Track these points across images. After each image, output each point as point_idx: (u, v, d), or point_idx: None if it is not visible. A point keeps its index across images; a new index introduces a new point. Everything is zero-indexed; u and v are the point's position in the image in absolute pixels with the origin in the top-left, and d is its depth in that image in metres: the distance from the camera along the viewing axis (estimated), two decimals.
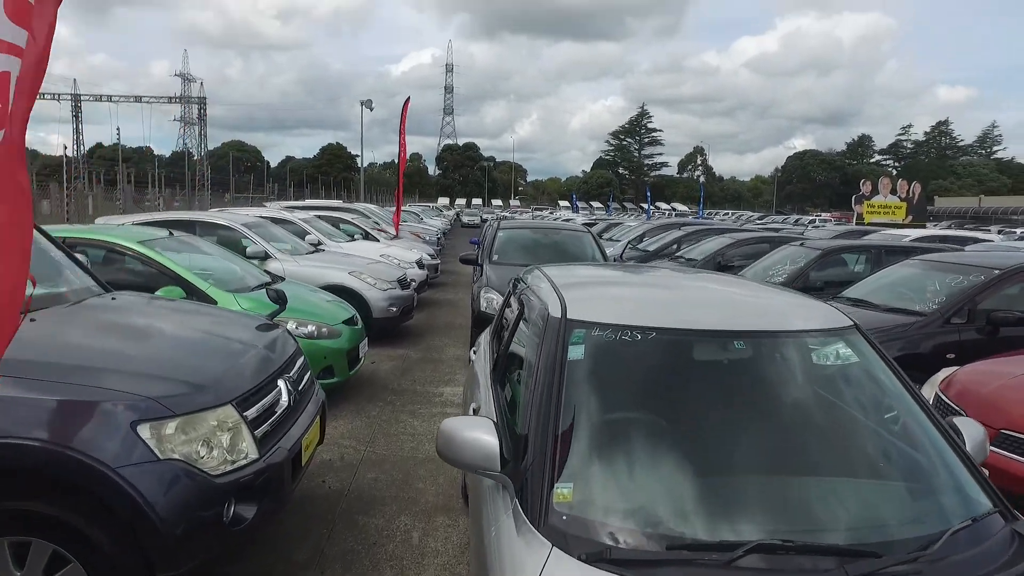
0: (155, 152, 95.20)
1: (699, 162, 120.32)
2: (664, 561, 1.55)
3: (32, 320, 2.41)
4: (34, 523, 2.25)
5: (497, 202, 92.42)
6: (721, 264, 10.60)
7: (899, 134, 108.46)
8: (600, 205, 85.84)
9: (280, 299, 4.12)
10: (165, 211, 16.74)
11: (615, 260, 8.18)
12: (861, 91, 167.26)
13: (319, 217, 13.20)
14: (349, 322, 6.08)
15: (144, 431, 2.27)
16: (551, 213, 53.58)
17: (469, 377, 3.70)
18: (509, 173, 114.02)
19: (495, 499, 1.92)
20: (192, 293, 5.25)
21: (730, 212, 69.63)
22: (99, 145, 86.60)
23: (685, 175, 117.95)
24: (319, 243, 10.34)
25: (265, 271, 6.78)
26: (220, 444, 2.51)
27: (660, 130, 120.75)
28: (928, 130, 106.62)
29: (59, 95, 64.62)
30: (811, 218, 52.48)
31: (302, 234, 10.44)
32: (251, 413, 2.72)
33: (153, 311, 3.55)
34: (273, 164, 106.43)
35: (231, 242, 8.22)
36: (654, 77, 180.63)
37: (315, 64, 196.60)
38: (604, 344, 2.11)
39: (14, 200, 1.72)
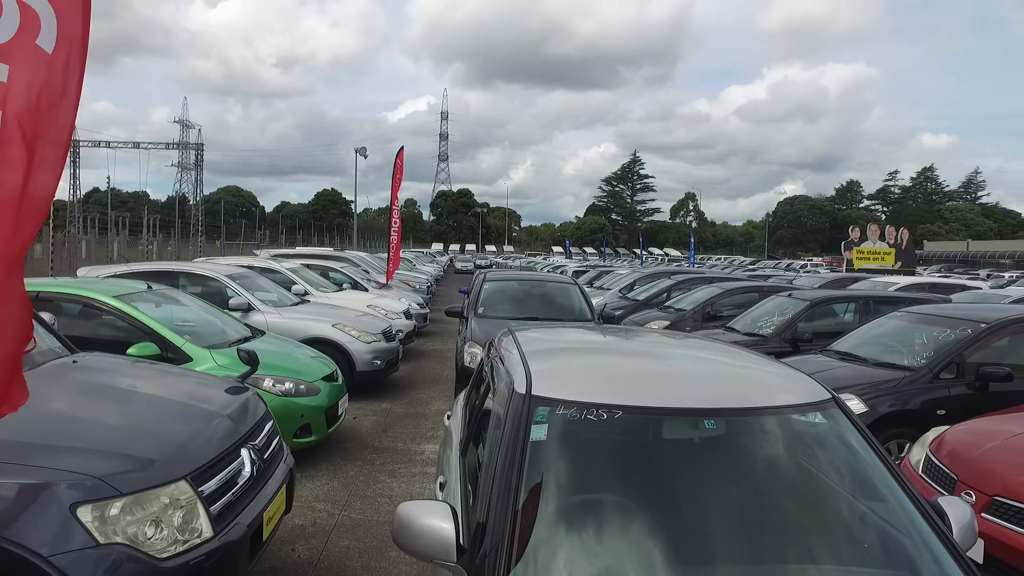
0: (151, 196, 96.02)
1: (691, 207, 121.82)
2: None
3: None
4: None
5: (491, 248, 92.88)
6: (710, 314, 10.56)
7: (886, 180, 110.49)
8: (593, 251, 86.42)
9: (251, 360, 4.01)
10: (149, 261, 16.67)
11: (601, 310, 8.10)
12: (848, 138, 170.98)
13: (308, 266, 13.17)
14: (329, 378, 5.95)
15: (85, 513, 2.13)
16: (544, 259, 53.82)
17: (443, 442, 3.58)
18: (503, 219, 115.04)
19: None
20: (167, 349, 5.13)
21: (722, 257, 70.13)
22: (95, 190, 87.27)
23: (677, 220, 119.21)
24: (305, 293, 10.26)
25: (246, 324, 6.67)
26: (171, 523, 2.38)
27: (652, 176, 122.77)
28: (914, 176, 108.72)
29: None
30: (803, 263, 52.90)
31: (289, 284, 10.38)
32: (208, 487, 2.59)
33: (114, 376, 3.43)
34: (268, 209, 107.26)
35: (215, 293, 8.15)
36: (646, 124, 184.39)
37: (313, 111, 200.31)
38: (569, 424, 2.01)
39: None
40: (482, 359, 3.46)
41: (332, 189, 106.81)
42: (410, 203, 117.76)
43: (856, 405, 5.36)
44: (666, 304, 12.18)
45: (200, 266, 9.13)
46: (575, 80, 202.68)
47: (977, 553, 3.33)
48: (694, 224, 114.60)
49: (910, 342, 6.19)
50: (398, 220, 15.77)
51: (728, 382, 2.40)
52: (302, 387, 5.54)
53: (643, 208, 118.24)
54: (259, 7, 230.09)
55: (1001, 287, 20.53)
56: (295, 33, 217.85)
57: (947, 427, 4.47)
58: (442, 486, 2.64)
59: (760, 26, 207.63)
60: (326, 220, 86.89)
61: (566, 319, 7.44)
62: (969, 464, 3.84)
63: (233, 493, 2.80)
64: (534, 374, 2.21)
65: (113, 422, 2.76)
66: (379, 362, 8.01)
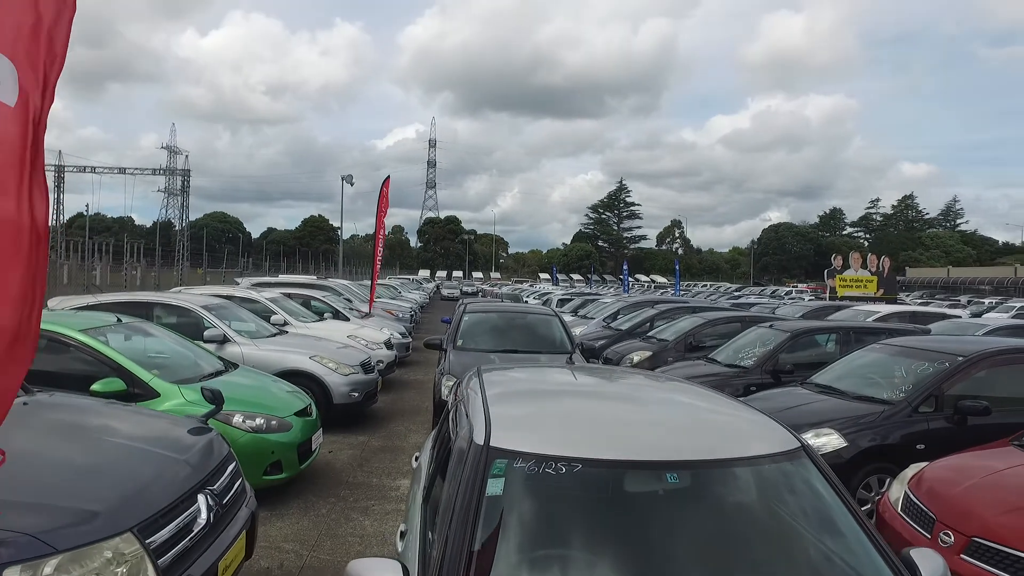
0: (137, 222, 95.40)
1: (677, 234, 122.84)
2: None
3: None
4: None
5: (478, 274, 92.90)
6: (693, 344, 10.53)
7: (868, 207, 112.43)
8: (580, 277, 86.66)
9: (215, 399, 3.89)
10: (123, 292, 16.44)
11: (581, 343, 8.03)
12: (831, 166, 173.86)
13: (289, 295, 13.04)
14: (302, 413, 5.82)
15: (14, 575, 2.01)
16: (531, 285, 53.84)
17: (410, 485, 3.47)
18: (490, 245, 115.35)
19: None
20: (134, 385, 5.00)
21: (708, 284, 70.52)
22: (79, 215, 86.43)
23: (664, 247, 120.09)
24: (285, 324, 10.13)
25: (220, 357, 6.54)
26: None
27: (639, 204, 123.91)
28: (895, 203, 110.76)
29: None
30: (787, 290, 53.29)
31: (268, 314, 10.24)
32: (159, 538, 2.47)
33: (66, 419, 3.29)
34: (255, 235, 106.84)
35: (190, 324, 8.00)
36: (633, 152, 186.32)
37: (302, 138, 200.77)
38: (527, 478, 1.93)
39: None
40: (449, 399, 3.38)
41: (319, 215, 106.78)
42: (397, 229, 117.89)
43: (836, 440, 5.32)
44: (649, 334, 12.14)
45: (175, 297, 8.99)
46: (562, 109, 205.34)
47: None
48: (680, 251, 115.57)
49: (889, 375, 6.18)
50: (382, 250, 15.69)
51: (694, 432, 2.33)
52: (273, 423, 5.40)
53: (630, 235, 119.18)
54: (250, 36, 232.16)
55: (980, 315, 20.75)
56: (285, 61, 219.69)
57: (926, 463, 4.43)
58: (403, 535, 2.54)
59: (743, 58, 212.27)
60: (312, 246, 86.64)
61: (546, 351, 7.37)
62: (948, 503, 3.78)
63: (188, 541, 2.68)
64: (494, 423, 2.14)
65: (56, 471, 2.62)
66: (357, 394, 7.88)
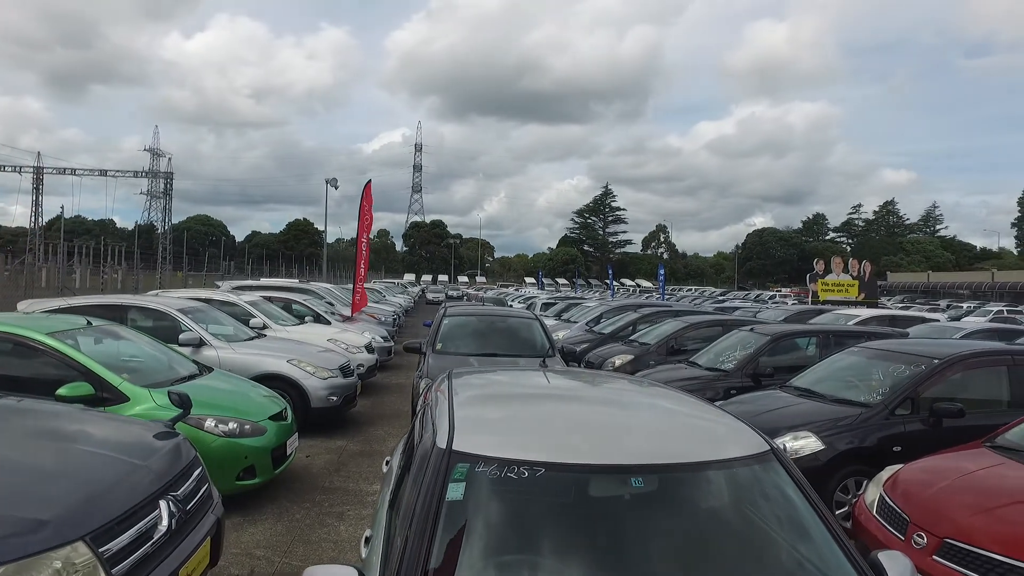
0: (118, 225, 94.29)
1: (663, 239, 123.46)
2: None
3: None
4: None
5: (463, 279, 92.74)
6: (674, 348, 10.55)
7: (850, 213, 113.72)
8: (565, 282, 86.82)
9: (183, 403, 3.81)
10: (97, 294, 16.21)
11: (561, 347, 8.01)
12: (814, 172, 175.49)
13: (269, 298, 12.90)
14: (277, 417, 5.73)
15: None
16: (516, 290, 53.83)
17: (381, 488, 3.41)
18: (476, 250, 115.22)
19: None
20: (102, 389, 4.89)
21: (692, 288, 70.92)
22: (59, 217, 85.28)
23: (649, 252, 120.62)
24: (264, 327, 10.02)
25: (194, 361, 6.43)
26: None
27: (624, 208, 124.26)
28: (877, 209, 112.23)
29: (20, 167, 63.83)
30: (771, 294, 53.73)
31: (248, 317, 10.12)
32: (113, 546, 2.40)
33: (22, 424, 3.19)
34: (239, 238, 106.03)
35: (165, 328, 7.88)
36: (618, 158, 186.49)
37: (287, 141, 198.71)
38: (489, 482, 1.89)
39: None
40: (419, 403, 3.33)
41: (304, 219, 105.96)
42: (383, 233, 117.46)
43: (814, 443, 5.33)
44: (631, 338, 12.15)
45: (150, 300, 8.85)
46: (549, 114, 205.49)
47: None
48: (665, 255, 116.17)
49: (867, 378, 6.21)
50: (366, 253, 15.58)
51: (662, 435, 2.29)
52: (247, 427, 5.31)
53: (615, 240, 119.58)
54: (235, 38, 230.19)
55: (959, 318, 21.02)
56: (271, 64, 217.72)
57: (901, 465, 4.44)
58: (367, 540, 2.48)
59: (728, 65, 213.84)
60: (297, 250, 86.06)
61: (526, 355, 7.34)
62: (921, 504, 3.79)
63: (148, 548, 2.61)
64: (458, 426, 2.09)
65: (6, 478, 2.54)
66: (335, 398, 7.79)
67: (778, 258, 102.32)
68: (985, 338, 11.95)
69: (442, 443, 2.02)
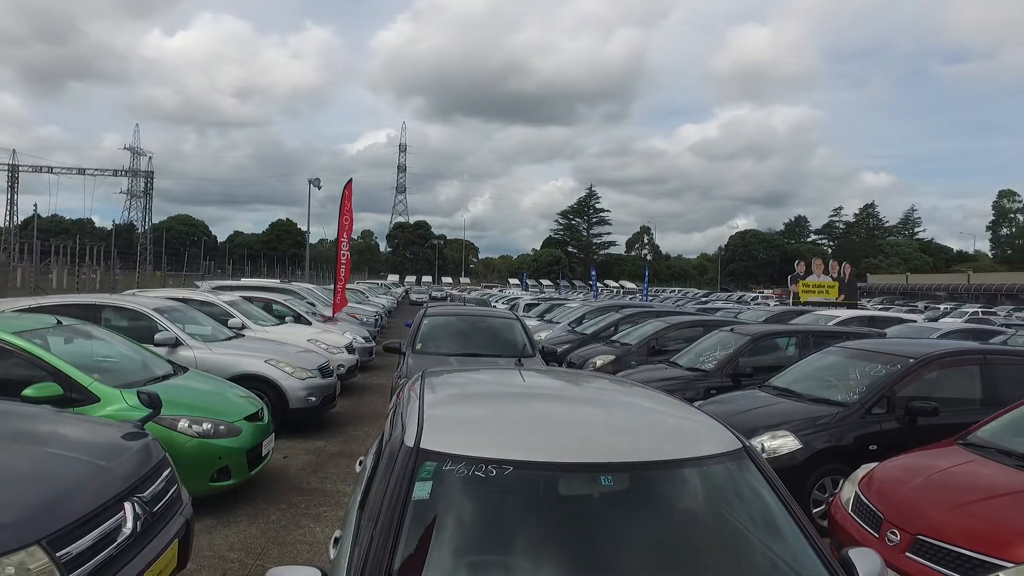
0: (97, 224, 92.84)
1: (646, 241, 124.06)
2: None
3: None
4: None
5: (448, 280, 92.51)
6: (656, 348, 10.58)
7: (831, 215, 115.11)
8: (549, 283, 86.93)
9: (153, 403, 3.74)
10: (71, 293, 15.96)
11: (542, 347, 7.99)
12: (796, 175, 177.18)
13: (250, 298, 12.77)
14: (253, 417, 5.65)
15: None
16: (500, 291, 53.80)
17: (353, 489, 3.37)
18: (460, 251, 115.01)
19: None
20: (72, 389, 4.78)
21: (676, 290, 71.34)
22: (36, 216, 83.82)
23: (633, 253, 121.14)
24: (242, 327, 9.90)
25: (169, 361, 6.33)
26: None
27: (608, 210, 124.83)
28: (857, 212, 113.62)
29: None
30: (753, 295, 54.19)
31: (226, 317, 9.99)
32: (72, 550, 2.33)
33: None
34: (221, 239, 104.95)
35: (140, 328, 7.75)
36: (603, 159, 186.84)
37: (271, 141, 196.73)
38: (457, 481, 1.86)
39: None
40: (391, 402, 3.29)
41: (287, 219, 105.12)
42: (367, 234, 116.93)
43: (792, 442, 5.35)
44: (612, 338, 12.17)
45: (125, 299, 8.70)
46: (534, 116, 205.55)
47: None
48: (649, 257, 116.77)
49: (845, 377, 6.26)
50: (347, 253, 15.46)
51: (633, 433, 2.27)
52: (221, 427, 5.23)
53: (599, 241, 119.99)
54: (218, 37, 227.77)
55: (935, 319, 21.33)
56: (254, 64, 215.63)
57: (876, 464, 4.47)
58: (336, 541, 2.44)
59: (711, 68, 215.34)
60: (280, 250, 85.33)
61: (507, 354, 7.30)
62: (894, 502, 3.82)
63: (111, 551, 2.55)
64: (427, 425, 2.06)
65: None
66: (314, 399, 7.71)
67: (760, 260, 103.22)
68: (960, 338, 12.13)
69: (410, 441, 1.99)
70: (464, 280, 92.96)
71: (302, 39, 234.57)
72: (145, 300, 8.65)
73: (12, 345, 4.79)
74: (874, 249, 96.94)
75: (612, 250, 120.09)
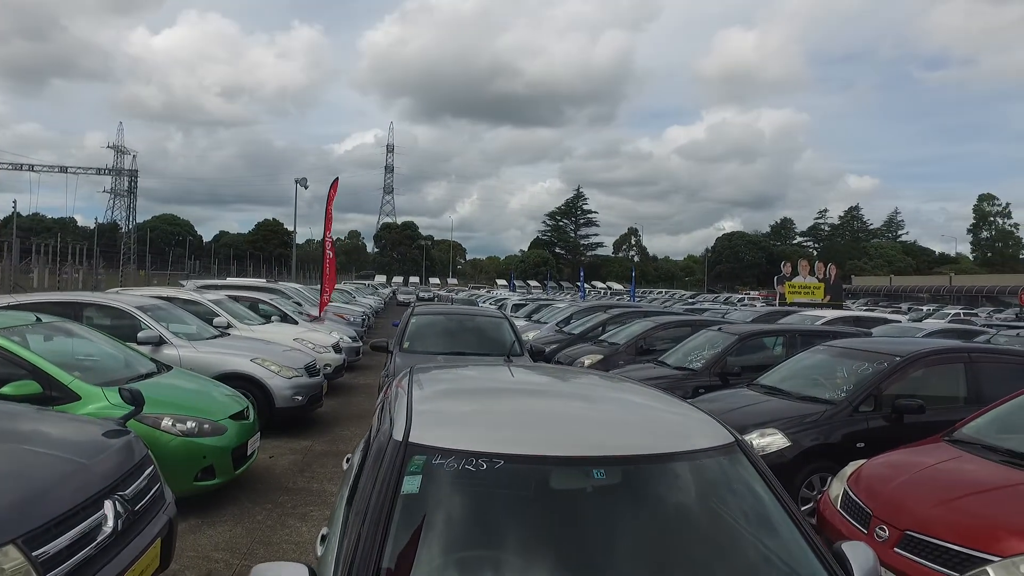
0: (80, 223, 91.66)
1: (633, 242, 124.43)
2: None
3: None
4: None
5: (435, 280, 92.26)
6: (644, 348, 10.58)
7: (816, 218, 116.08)
8: (537, 284, 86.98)
9: (135, 399, 3.67)
10: (51, 292, 15.72)
11: (530, 346, 7.96)
12: (782, 177, 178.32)
13: (236, 297, 12.64)
14: (238, 416, 5.58)
15: None
16: (488, 291, 53.75)
17: (340, 486, 3.32)
18: (448, 251, 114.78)
19: None
20: (51, 388, 4.69)
21: (663, 291, 71.62)
22: (16, 215, 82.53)
23: (620, 255, 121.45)
24: (228, 326, 9.79)
25: (152, 359, 6.23)
26: None
27: (596, 211, 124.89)
28: (842, 214, 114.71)
29: None
30: (740, 296, 54.54)
31: (212, 316, 9.88)
32: (49, 549, 2.27)
33: None
34: (207, 239, 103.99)
35: (123, 326, 7.64)
36: (590, 161, 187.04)
37: (257, 140, 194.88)
38: (447, 475, 1.82)
39: None
40: (379, 398, 3.25)
41: (273, 219, 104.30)
42: (354, 235, 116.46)
43: (780, 440, 5.36)
44: (600, 338, 12.16)
45: (107, 297, 8.57)
46: (521, 117, 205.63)
47: None
48: (636, 258, 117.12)
49: (832, 376, 6.28)
50: (332, 252, 15.35)
51: (625, 427, 2.25)
52: (206, 426, 5.16)
53: (586, 242, 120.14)
54: (205, 35, 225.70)
55: (919, 320, 21.55)
56: (241, 63, 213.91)
57: (864, 461, 4.49)
58: (323, 539, 2.39)
59: (698, 71, 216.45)
60: (266, 251, 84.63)
61: (495, 353, 7.27)
62: (883, 498, 3.83)
63: (91, 550, 2.49)
64: (415, 419, 2.02)
65: None
66: (300, 398, 7.64)
67: (747, 261, 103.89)
68: (945, 338, 12.24)
69: (398, 436, 1.95)
70: (452, 281, 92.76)
71: (289, 38, 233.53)
72: (128, 298, 8.52)
73: None
74: (858, 251, 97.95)
75: (599, 251, 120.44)
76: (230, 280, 24.17)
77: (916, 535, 3.40)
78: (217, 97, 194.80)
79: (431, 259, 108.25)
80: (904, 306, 46.76)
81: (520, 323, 15.79)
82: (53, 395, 4.64)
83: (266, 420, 6.96)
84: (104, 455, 2.93)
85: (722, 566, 1.89)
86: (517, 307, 22.10)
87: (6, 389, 4.21)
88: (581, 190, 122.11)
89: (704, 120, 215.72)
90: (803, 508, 5.22)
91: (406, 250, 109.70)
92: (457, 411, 2.38)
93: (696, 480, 2.06)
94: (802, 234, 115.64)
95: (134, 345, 6.69)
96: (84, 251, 40.20)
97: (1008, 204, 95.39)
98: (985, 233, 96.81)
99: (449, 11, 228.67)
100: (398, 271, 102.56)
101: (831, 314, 16.67)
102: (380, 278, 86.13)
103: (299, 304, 15.70)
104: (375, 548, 1.62)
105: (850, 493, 4.11)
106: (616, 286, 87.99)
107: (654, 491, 1.97)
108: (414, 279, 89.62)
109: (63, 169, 61.56)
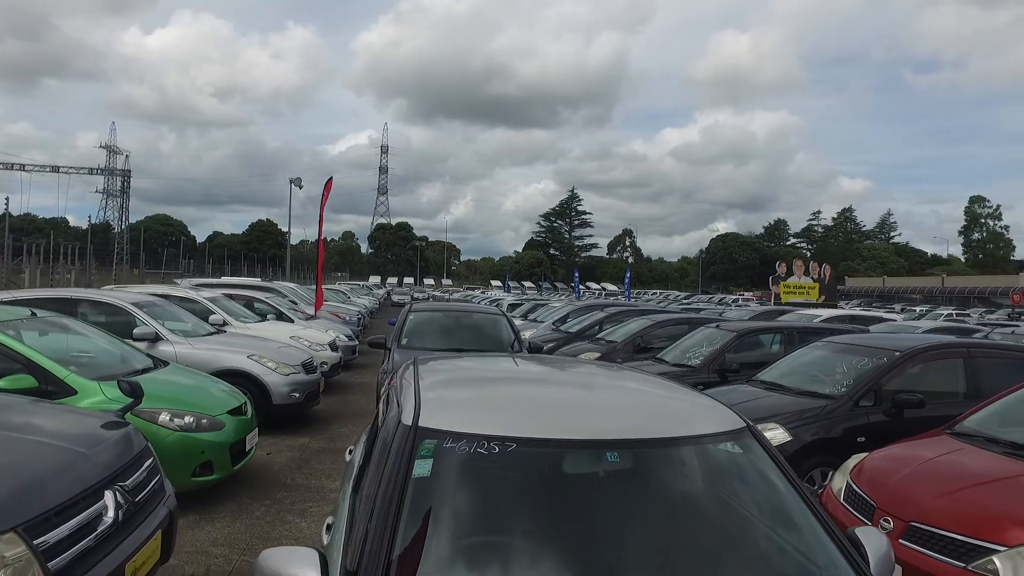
0: (72, 223, 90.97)
1: (628, 243, 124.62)
2: None
3: None
4: None
5: (430, 281, 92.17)
6: (641, 346, 10.57)
7: (810, 219, 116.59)
8: (531, 285, 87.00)
9: (134, 391, 3.63)
10: (46, 288, 15.59)
11: (529, 343, 7.94)
12: (775, 179, 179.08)
13: (231, 296, 12.57)
14: (236, 412, 5.53)
15: None
16: (483, 292, 53.70)
17: (342, 479, 3.29)
18: (442, 252, 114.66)
19: None
20: (47, 382, 4.64)
21: (657, 292, 71.73)
22: (7, 214, 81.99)
23: (615, 256, 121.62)
24: (224, 324, 9.73)
25: (148, 355, 6.18)
26: None
27: (590, 213, 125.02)
28: (835, 216, 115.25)
29: None
30: (735, 297, 54.68)
31: (207, 314, 9.82)
32: (51, 537, 2.23)
33: None
34: (201, 239, 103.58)
35: (119, 323, 7.58)
36: (585, 163, 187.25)
37: (251, 141, 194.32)
38: (458, 458, 1.79)
39: None
40: (383, 390, 3.22)
41: (267, 220, 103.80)
42: (348, 235, 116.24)
43: (781, 434, 5.35)
44: (598, 336, 12.15)
45: (102, 293, 8.50)
46: (516, 119, 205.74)
47: None
48: (630, 259, 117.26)
49: (831, 371, 6.28)
50: (325, 250, 15.31)
51: (636, 411, 2.23)
52: (204, 421, 5.11)
53: (581, 243, 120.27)
54: (198, 36, 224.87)
55: (915, 319, 21.66)
56: (235, 63, 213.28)
57: (867, 454, 4.48)
58: (329, 527, 2.36)
59: (692, 74, 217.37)
60: (260, 251, 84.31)
61: (493, 350, 7.24)
62: (887, 491, 3.82)
63: (90, 541, 2.45)
64: (424, 404, 1.99)
65: None
66: (298, 395, 7.59)
67: (741, 263, 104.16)
68: (942, 334, 12.27)
69: (408, 420, 1.93)
70: (446, 282, 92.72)
71: (283, 39, 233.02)
72: (123, 295, 8.46)
73: None
74: (852, 252, 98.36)
75: (594, 253, 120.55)
76: (225, 279, 24.07)
77: (921, 526, 3.39)
78: (211, 97, 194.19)
79: (425, 260, 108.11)
80: (897, 307, 46.96)
81: (516, 322, 15.76)
82: (49, 389, 4.58)
83: (263, 417, 6.91)
84: (103, 445, 2.89)
85: (737, 550, 1.87)
86: (513, 307, 22.08)
87: (1, 384, 4.15)
88: (575, 191, 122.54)
89: (698, 122, 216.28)
90: None
91: (400, 251, 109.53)
92: (466, 396, 2.36)
93: (708, 464, 2.05)
94: (796, 235, 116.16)
95: (131, 341, 6.63)
96: (76, 251, 39.98)
97: (999, 206, 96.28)
98: (976, 235, 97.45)
99: (443, 12, 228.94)
100: (392, 272, 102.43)
101: (827, 313, 16.73)
102: (374, 279, 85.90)
103: (295, 303, 15.64)
104: (387, 532, 1.59)
105: (853, 486, 4.10)
106: (611, 287, 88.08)
107: (667, 475, 1.96)
108: (408, 280, 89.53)
109: (55, 169, 61.12)
